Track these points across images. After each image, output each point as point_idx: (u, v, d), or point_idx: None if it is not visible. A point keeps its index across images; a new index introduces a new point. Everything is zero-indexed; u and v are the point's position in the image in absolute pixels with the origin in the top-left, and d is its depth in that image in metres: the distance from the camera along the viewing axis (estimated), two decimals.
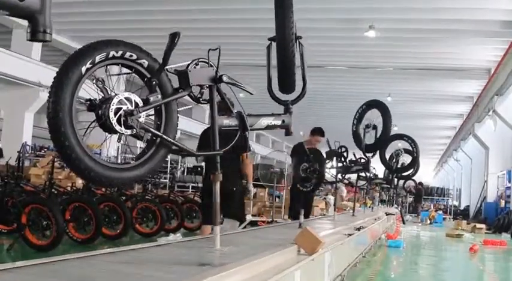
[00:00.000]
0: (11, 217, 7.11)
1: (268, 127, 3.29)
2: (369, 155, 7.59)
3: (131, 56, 2.48)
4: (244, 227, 6.00)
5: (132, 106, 2.41)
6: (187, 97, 2.80)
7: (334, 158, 7.22)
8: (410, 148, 9.94)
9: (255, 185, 8.37)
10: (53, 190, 7.76)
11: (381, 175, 10.76)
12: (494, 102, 16.94)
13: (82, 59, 2.29)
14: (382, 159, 9.54)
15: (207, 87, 2.87)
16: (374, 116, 7.37)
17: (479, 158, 23.98)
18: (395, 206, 19.47)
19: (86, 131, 2.40)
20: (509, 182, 19.01)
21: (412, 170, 10.63)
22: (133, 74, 2.60)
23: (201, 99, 2.89)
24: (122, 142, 2.45)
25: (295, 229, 4.55)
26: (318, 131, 7.96)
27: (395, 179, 11.53)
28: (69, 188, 8.87)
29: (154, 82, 2.56)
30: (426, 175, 40.25)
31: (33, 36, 1.80)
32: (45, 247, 6.46)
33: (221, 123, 2.95)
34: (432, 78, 18.17)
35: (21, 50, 14.53)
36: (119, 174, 2.45)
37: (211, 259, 2.70)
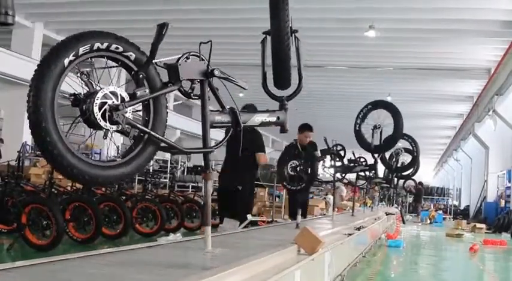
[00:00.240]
0: (11, 217, 7.11)
1: (263, 124, 3.17)
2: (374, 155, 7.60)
3: (117, 48, 2.39)
4: (246, 227, 5.96)
5: (117, 101, 2.32)
6: (177, 92, 2.73)
7: (329, 156, 7.09)
8: (410, 147, 9.89)
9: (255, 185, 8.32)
10: (53, 190, 7.75)
11: (380, 175, 10.74)
12: (494, 102, 16.95)
13: (64, 51, 2.21)
14: (382, 158, 9.52)
15: (198, 82, 2.78)
16: (377, 116, 7.35)
17: (479, 158, 23.98)
18: (396, 205, 19.47)
19: (71, 127, 2.32)
20: (509, 181, 19.01)
21: (412, 169, 10.60)
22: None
23: (192, 95, 2.81)
24: (108, 138, 2.35)
25: (292, 229, 4.55)
26: (305, 127, 7.53)
27: (395, 179, 11.50)
28: (69, 188, 8.87)
29: (141, 76, 2.47)
30: (426, 174, 40.24)
31: None
32: (45, 246, 6.46)
33: (213, 120, 2.84)
34: (432, 78, 18.17)
35: (21, 50, 14.54)
36: (104, 172, 2.35)
37: (199, 261, 2.60)
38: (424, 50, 15.51)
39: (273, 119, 3.19)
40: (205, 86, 2.78)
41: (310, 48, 15.15)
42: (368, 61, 17.11)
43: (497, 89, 15.93)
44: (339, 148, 7.25)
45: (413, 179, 14.31)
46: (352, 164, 8.06)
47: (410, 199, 26.61)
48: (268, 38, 3.26)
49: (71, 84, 2.30)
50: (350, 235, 5.51)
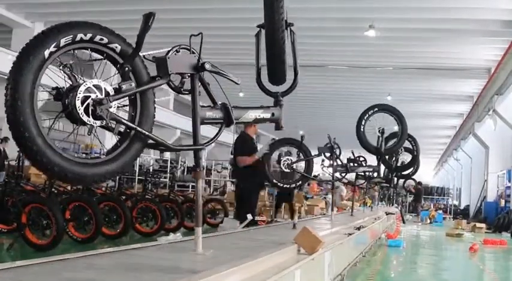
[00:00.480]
0: (11, 217, 7.11)
1: (256, 121, 3.06)
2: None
3: (102, 39, 2.26)
4: (247, 226, 5.94)
5: (101, 95, 2.21)
6: (165, 87, 2.63)
7: (323, 155, 7.00)
8: (410, 146, 9.82)
9: None
10: (53, 189, 7.76)
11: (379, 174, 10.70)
12: (494, 101, 16.96)
13: (45, 41, 2.08)
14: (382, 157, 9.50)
15: (188, 76, 2.68)
16: (380, 120, 7.38)
17: (479, 158, 23.98)
18: (395, 205, 19.47)
19: (54, 122, 2.23)
20: (509, 181, 19.02)
21: (412, 169, 10.56)
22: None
23: (182, 90, 2.71)
24: (92, 134, 2.24)
25: (291, 230, 4.55)
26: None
27: (395, 178, 11.47)
28: (69, 188, 8.86)
29: (127, 69, 2.34)
30: (426, 174, 40.24)
31: None
32: (45, 246, 6.45)
33: (203, 116, 2.73)
34: (432, 78, 18.17)
35: None
36: (87, 170, 2.23)
37: (187, 264, 2.48)
38: (424, 49, 15.51)
39: (268, 115, 3.09)
40: (195, 81, 2.68)
41: (310, 48, 15.17)
42: (368, 61, 17.11)
43: (497, 88, 15.94)
44: (335, 146, 7.18)
45: (413, 179, 14.30)
46: (352, 164, 8.06)
47: (410, 199, 26.60)
48: (263, 31, 3.14)
49: (54, 77, 2.21)
50: (350, 234, 5.51)
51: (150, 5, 12.94)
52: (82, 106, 2.15)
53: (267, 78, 3.30)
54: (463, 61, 16.45)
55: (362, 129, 7.15)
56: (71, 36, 2.14)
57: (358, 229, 6.32)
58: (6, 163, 11.17)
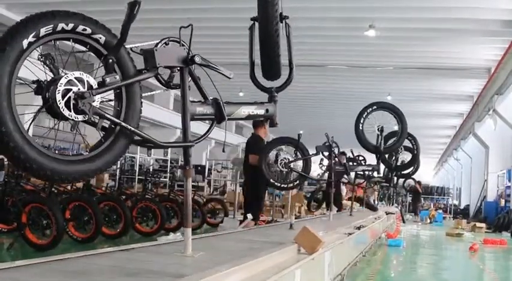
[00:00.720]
0: (11, 216, 7.11)
1: (250, 117, 2.94)
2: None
3: (84, 30, 2.15)
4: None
5: (84, 88, 2.10)
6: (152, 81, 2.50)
7: (322, 154, 6.92)
8: (410, 145, 9.75)
9: None
10: (53, 189, 7.76)
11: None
12: (495, 101, 16.95)
13: (23, 31, 1.96)
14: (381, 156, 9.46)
15: (178, 70, 2.57)
16: (379, 118, 7.34)
17: (479, 157, 23.98)
18: (395, 205, 19.46)
19: (35, 117, 2.15)
20: (509, 181, 19.02)
21: (412, 168, 10.51)
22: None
23: (171, 84, 2.62)
24: (75, 130, 2.13)
25: (290, 230, 4.54)
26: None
27: (395, 178, 11.43)
28: (69, 187, 8.87)
29: (111, 60, 2.24)
30: (426, 174, 40.25)
31: None
32: (45, 246, 6.45)
33: (194, 111, 2.61)
34: (432, 78, 18.16)
35: None
36: (68, 167, 2.12)
37: (173, 268, 2.36)
38: (424, 49, 15.49)
39: (261, 111, 2.97)
40: (185, 74, 2.56)
41: (310, 47, 15.16)
42: (368, 60, 17.09)
43: (497, 88, 15.93)
44: (334, 145, 7.11)
45: (413, 178, 14.28)
46: (352, 163, 8.04)
47: (410, 198, 26.60)
48: (257, 24, 3.03)
49: (34, 70, 2.10)
50: (350, 234, 5.51)
51: (151, 5, 12.95)
52: (63, 100, 2.04)
53: (261, 73, 3.18)
54: (463, 61, 16.43)
55: (361, 128, 7.07)
56: (52, 25, 2.03)
57: (358, 228, 6.31)
58: (6, 162, 11.16)
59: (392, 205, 18.28)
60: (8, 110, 1.91)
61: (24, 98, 2.12)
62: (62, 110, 2.04)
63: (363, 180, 9.27)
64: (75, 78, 2.09)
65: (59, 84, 2.03)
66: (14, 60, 1.94)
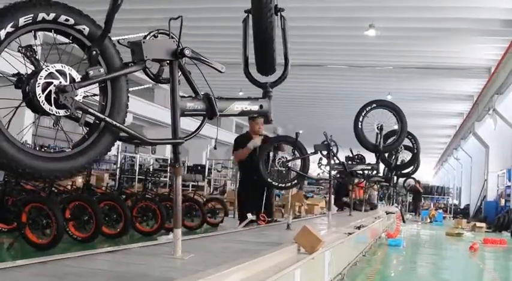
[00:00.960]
0: (11, 216, 7.11)
1: (243, 113, 2.80)
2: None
3: (67, 20, 2.05)
4: (247, 225, 5.92)
5: (66, 81, 2.01)
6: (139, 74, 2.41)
7: (320, 152, 6.85)
8: (411, 144, 9.70)
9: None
10: (53, 189, 7.76)
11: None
12: (495, 101, 16.96)
13: (1, 21, 1.86)
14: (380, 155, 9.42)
15: (167, 63, 2.48)
16: (378, 116, 7.32)
17: (479, 157, 23.99)
18: (395, 204, 19.45)
19: (15, 113, 2.05)
20: (509, 180, 19.03)
21: (412, 167, 10.48)
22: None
23: (160, 78, 2.56)
24: (58, 126, 2.04)
25: (290, 230, 4.54)
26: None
27: (395, 177, 11.40)
28: (69, 187, 8.87)
29: (94, 52, 2.13)
30: (426, 173, 40.26)
31: None
32: (45, 245, 6.45)
33: (184, 107, 2.51)
34: (432, 77, 18.17)
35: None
36: (49, 164, 2.02)
37: (159, 271, 2.25)
38: (424, 49, 15.50)
39: (255, 107, 2.83)
40: (174, 68, 2.47)
41: (310, 47, 15.18)
42: (368, 60, 17.11)
43: (497, 88, 15.94)
44: (332, 143, 7.05)
45: (413, 178, 14.27)
46: (351, 162, 8.02)
47: (410, 198, 26.61)
48: (251, 17, 2.91)
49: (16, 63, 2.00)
50: (350, 234, 5.50)
51: (151, 4, 12.95)
52: (43, 94, 1.95)
53: (255, 68, 3.10)
54: (463, 60, 16.45)
55: (360, 126, 7.01)
56: (31, 15, 1.92)
57: (358, 228, 6.31)
58: None
59: (392, 204, 18.26)
60: None
61: (6, 93, 2.06)
62: (42, 104, 1.95)
63: (363, 179, 9.25)
64: (57, 70, 2.00)
65: (38, 77, 1.95)
66: None
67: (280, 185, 5.63)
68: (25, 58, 1.99)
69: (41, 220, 6.56)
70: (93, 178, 11.45)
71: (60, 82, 2.00)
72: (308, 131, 18.19)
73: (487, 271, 8.50)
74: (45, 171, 2.01)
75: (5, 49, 1.94)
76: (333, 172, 7.10)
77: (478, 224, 17.30)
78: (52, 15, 1.98)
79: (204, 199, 11.38)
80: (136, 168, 17.35)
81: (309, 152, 5.72)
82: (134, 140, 2.38)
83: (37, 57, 2.00)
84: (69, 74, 2.04)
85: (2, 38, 1.87)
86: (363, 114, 7.08)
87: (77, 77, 2.06)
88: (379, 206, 14.18)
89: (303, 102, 23.26)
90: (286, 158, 5.39)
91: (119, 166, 15.76)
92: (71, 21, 2.07)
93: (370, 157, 8.35)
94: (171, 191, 10.75)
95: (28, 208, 6.65)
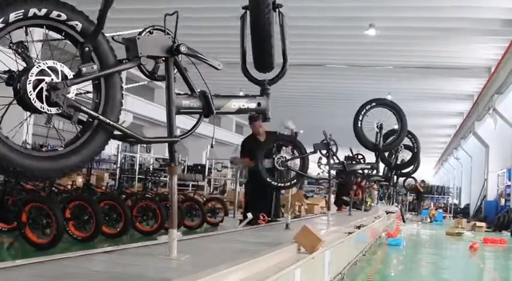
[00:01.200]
0: (11, 215, 7.10)
1: (240, 111, 2.75)
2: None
3: (59, 15, 2.00)
4: (247, 225, 5.92)
5: (57, 78, 1.96)
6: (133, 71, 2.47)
7: (319, 152, 6.81)
8: (411, 144, 9.65)
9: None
10: (53, 188, 7.76)
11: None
12: (495, 100, 16.95)
13: None
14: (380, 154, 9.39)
15: (163, 60, 2.44)
16: (378, 115, 7.30)
17: (479, 157, 23.98)
18: (395, 204, 19.45)
19: (6, 110, 2.00)
20: (510, 180, 19.03)
21: (412, 166, 10.45)
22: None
23: (156, 75, 2.51)
24: (50, 125, 2.01)
25: (290, 230, 4.54)
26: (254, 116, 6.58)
27: (395, 176, 11.38)
28: (69, 187, 8.87)
29: (87, 49, 2.09)
30: (426, 173, 40.24)
31: None
32: (45, 245, 6.44)
33: (180, 105, 2.47)
34: (432, 77, 18.16)
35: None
36: (41, 163, 1.97)
37: (153, 272, 2.23)
38: (424, 48, 15.49)
39: (253, 105, 2.78)
40: (170, 65, 2.43)
41: (310, 46, 15.16)
42: (368, 59, 17.10)
43: (498, 87, 15.93)
44: (332, 143, 7.02)
45: (413, 177, 14.26)
46: (351, 162, 8.01)
47: (410, 198, 26.60)
48: (248, 13, 2.88)
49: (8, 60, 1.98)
50: (350, 233, 5.51)
51: (151, 5, 12.94)
52: (34, 91, 1.91)
53: (253, 65, 3.06)
54: (463, 60, 16.44)
55: (359, 125, 6.97)
56: (22, 11, 1.87)
57: (358, 227, 6.31)
58: None
59: (392, 204, 18.26)
60: None
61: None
62: (33, 101, 1.91)
63: (362, 179, 9.24)
64: (48, 67, 1.96)
65: (29, 74, 1.90)
66: None
67: (279, 184, 5.61)
68: (16, 55, 1.95)
69: (41, 219, 6.55)
70: (93, 177, 11.46)
71: (52, 79, 1.95)
72: (308, 130, 18.18)
73: (487, 271, 8.50)
74: (38, 170, 1.97)
75: None
76: (332, 172, 7.08)
77: (478, 223, 17.31)
78: (44, 11, 1.94)
79: (204, 199, 11.37)
80: (137, 168, 17.34)
81: (308, 152, 5.70)
82: (129, 138, 2.33)
83: (28, 53, 1.96)
84: (61, 71, 1.99)
85: None
86: (362, 113, 7.05)
87: (70, 74, 2.02)
88: (379, 206, 14.17)
89: (303, 102, 23.23)
90: (285, 157, 5.37)
91: (119, 165, 15.75)
92: (63, 16, 2.02)
93: (370, 156, 8.35)
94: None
95: (28, 208, 6.64)
